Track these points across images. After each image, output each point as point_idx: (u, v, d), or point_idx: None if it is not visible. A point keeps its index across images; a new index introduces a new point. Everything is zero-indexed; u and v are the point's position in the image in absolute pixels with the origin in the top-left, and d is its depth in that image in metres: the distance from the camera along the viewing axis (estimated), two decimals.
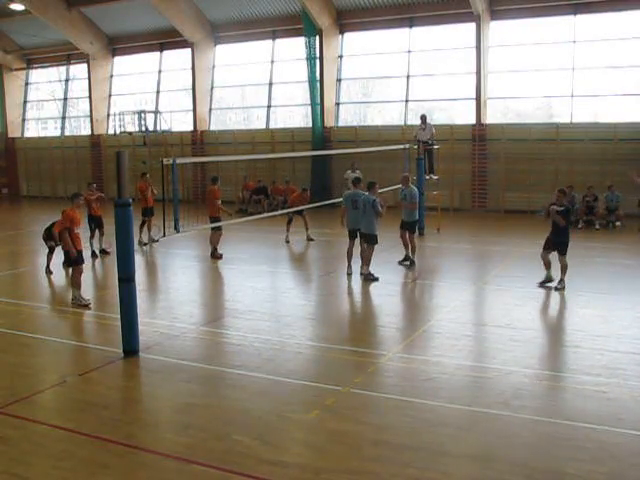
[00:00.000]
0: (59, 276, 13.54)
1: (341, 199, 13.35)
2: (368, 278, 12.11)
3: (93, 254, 15.11)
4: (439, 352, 8.10)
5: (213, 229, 14.70)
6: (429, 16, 23.36)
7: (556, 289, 11.00)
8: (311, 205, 16.22)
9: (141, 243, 16.28)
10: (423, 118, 18.72)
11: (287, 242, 16.55)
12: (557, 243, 11.10)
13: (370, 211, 12.01)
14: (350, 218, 12.72)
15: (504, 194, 22.32)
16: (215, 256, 14.74)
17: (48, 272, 13.26)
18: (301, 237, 16.87)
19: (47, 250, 13.46)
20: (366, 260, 12.27)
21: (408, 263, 13.47)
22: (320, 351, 8.38)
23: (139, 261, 8.54)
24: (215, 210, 14.78)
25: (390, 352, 8.10)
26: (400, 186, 14.05)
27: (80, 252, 10.72)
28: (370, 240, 12.18)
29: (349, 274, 12.58)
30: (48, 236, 13.37)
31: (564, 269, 11.04)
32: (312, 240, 16.71)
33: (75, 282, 10.67)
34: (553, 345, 8.23)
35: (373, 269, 12.25)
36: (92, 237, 15.28)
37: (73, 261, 10.63)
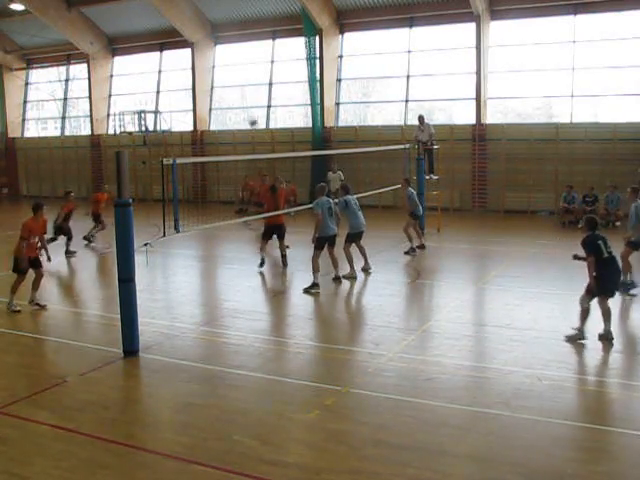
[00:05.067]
0: (60, 276, 13.56)
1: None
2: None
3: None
4: (439, 352, 8.09)
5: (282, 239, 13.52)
6: (429, 16, 23.35)
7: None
8: (311, 205, 16.16)
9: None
10: (421, 119, 18.61)
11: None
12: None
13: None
14: (357, 221, 12.63)
15: (504, 194, 22.32)
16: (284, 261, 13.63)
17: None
18: (300, 238, 16.80)
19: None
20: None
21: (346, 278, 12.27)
22: (320, 351, 8.38)
23: (139, 261, 8.53)
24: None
25: (390, 352, 8.09)
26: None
27: (32, 259, 10.38)
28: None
29: (355, 278, 12.35)
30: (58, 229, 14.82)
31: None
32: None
33: (14, 288, 10.27)
34: (553, 345, 8.22)
35: (373, 268, 12.21)
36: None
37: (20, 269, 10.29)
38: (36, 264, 10.51)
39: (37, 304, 10.43)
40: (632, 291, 10.57)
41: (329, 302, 11.26)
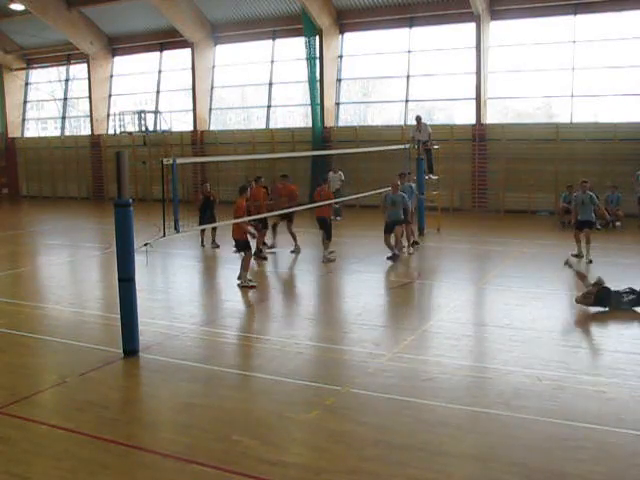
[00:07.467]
0: (61, 275, 13.56)
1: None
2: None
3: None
4: (439, 352, 8.10)
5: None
6: (429, 16, 23.34)
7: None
8: (312, 205, 16.15)
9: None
10: (418, 119, 18.55)
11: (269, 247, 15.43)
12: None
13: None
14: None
15: (504, 194, 22.31)
16: (260, 256, 14.26)
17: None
18: (299, 238, 16.78)
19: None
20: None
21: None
22: (320, 351, 8.38)
23: (139, 261, 8.53)
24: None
25: (390, 352, 8.10)
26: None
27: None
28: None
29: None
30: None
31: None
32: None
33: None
34: (553, 345, 8.23)
35: (373, 268, 12.21)
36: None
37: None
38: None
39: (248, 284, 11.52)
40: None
41: (329, 302, 11.27)
